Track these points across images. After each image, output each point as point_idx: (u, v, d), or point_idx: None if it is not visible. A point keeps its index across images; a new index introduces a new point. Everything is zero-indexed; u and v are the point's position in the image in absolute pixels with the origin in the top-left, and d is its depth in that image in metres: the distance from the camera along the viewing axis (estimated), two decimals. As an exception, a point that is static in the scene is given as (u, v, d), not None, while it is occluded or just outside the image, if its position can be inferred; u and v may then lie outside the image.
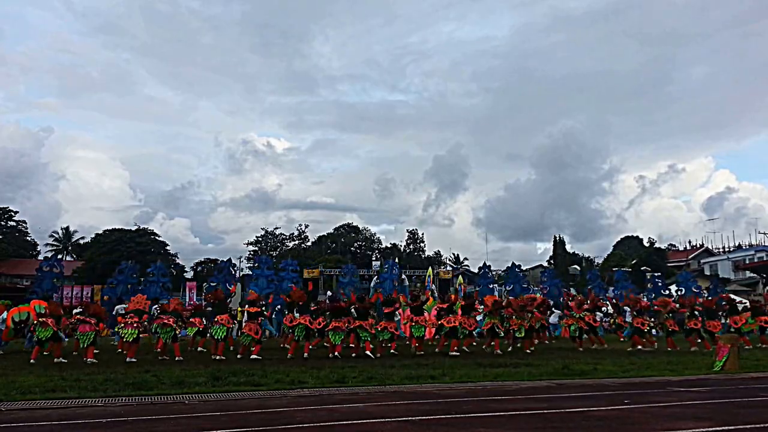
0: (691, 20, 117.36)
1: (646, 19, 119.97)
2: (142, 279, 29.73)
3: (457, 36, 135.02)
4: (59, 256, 63.89)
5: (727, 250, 67.12)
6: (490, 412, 8.07)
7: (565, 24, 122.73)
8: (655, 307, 22.31)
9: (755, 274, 41.22)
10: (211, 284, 27.43)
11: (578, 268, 65.09)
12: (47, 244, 69.39)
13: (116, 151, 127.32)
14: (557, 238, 65.55)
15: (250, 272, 30.91)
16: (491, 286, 33.55)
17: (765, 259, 56.72)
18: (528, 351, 18.61)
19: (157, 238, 61.86)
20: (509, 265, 35.53)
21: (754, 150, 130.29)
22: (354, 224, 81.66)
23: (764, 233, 62.48)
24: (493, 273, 39.59)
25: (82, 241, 68.88)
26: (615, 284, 36.52)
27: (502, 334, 19.12)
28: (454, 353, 16.89)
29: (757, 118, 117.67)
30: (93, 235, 62.82)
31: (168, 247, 63.23)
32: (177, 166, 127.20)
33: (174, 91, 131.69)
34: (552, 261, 69.49)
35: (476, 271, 73.33)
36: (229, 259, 30.12)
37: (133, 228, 61.47)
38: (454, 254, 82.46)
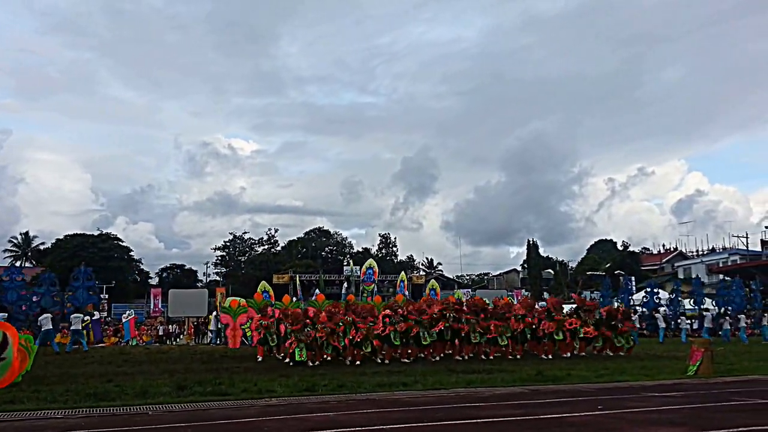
0: (663, 22, 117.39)
1: (618, 22, 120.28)
2: (66, 287, 28.77)
3: (428, 37, 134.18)
4: (18, 263, 62.15)
5: (700, 253, 67.58)
6: (463, 419, 7.92)
7: (536, 26, 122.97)
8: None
9: (729, 278, 41.79)
10: None
11: (552, 272, 65.50)
12: (6, 250, 67.55)
13: (77, 153, 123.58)
14: (530, 242, 65.78)
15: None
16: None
17: (739, 262, 57.26)
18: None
19: (120, 243, 60.49)
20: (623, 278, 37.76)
21: (726, 153, 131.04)
22: (325, 228, 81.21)
23: (738, 236, 63.21)
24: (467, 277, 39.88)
25: (42, 247, 66.96)
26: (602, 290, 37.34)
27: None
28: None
29: (730, 121, 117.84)
30: (53, 241, 61.23)
31: (132, 253, 62.13)
32: (140, 168, 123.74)
33: (137, 92, 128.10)
34: (525, 265, 69.85)
35: (450, 275, 73.87)
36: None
37: (96, 233, 60.21)
38: (427, 259, 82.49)
